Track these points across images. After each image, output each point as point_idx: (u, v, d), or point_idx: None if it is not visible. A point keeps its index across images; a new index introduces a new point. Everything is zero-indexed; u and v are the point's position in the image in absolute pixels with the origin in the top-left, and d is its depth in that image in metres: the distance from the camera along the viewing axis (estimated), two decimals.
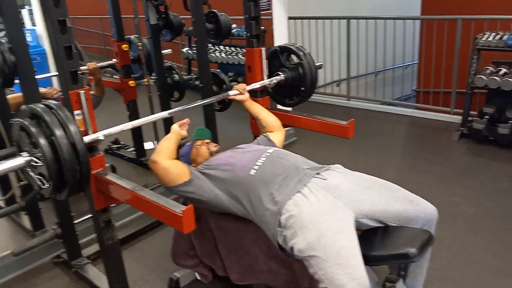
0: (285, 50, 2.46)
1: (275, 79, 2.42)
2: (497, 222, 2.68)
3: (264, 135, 2.21)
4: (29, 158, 1.51)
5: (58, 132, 1.45)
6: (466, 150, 3.80)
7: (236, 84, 2.35)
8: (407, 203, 1.69)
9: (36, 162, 1.49)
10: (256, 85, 2.37)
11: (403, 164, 3.63)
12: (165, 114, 2.08)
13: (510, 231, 2.58)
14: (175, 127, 1.96)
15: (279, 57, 2.45)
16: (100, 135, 1.70)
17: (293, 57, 2.46)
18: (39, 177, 1.52)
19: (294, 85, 2.45)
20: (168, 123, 3.32)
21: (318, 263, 1.47)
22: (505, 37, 3.71)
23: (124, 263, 2.01)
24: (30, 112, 1.53)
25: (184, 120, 2.01)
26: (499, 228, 2.63)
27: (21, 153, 1.53)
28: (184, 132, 1.97)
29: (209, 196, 1.80)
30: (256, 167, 1.77)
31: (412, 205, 1.69)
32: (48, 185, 1.51)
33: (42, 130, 1.47)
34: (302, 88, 2.43)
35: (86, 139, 1.63)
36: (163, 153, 1.81)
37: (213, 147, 2.09)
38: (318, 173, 1.73)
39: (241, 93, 2.28)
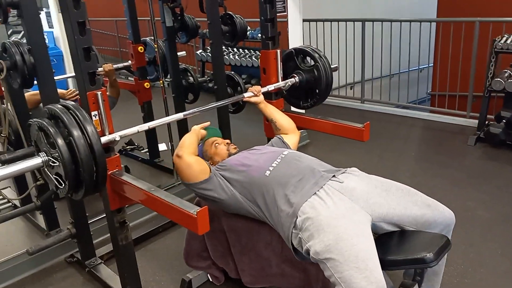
0: (301, 52, 2.45)
1: (290, 82, 2.41)
2: None
3: (279, 137, 2.21)
4: (46, 158, 1.54)
5: (76, 133, 1.47)
6: (482, 154, 3.74)
7: (250, 86, 2.35)
8: (425, 207, 1.67)
9: (53, 162, 1.51)
10: (270, 87, 2.37)
11: (418, 168, 3.59)
12: (180, 116, 2.09)
13: None
14: (196, 127, 1.98)
15: (295, 59, 2.45)
16: (116, 136, 1.72)
17: (309, 59, 2.45)
18: (56, 177, 1.54)
19: (309, 88, 2.44)
20: (182, 125, 3.35)
21: (335, 266, 1.46)
22: None
23: (137, 263, 2.03)
24: (48, 113, 1.55)
25: (206, 124, 2.04)
26: None
27: (39, 153, 1.56)
28: (204, 132, 2.01)
29: (226, 195, 1.81)
30: (271, 168, 1.77)
31: (430, 209, 1.68)
32: (64, 185, 1.53)
33: (60, 130, 1.49)
34: (317, 91, 2.42)
35: (103, 139, 1.65)
36: (188, 149, 1.82)
37: (233, 149, 2.08)
38: (334, 176, 1.72)
39: (255, 95, 2.28)
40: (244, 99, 2.29)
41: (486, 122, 3.97)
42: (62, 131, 1.49)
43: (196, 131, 1.96)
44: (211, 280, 2.26)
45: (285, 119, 2.31)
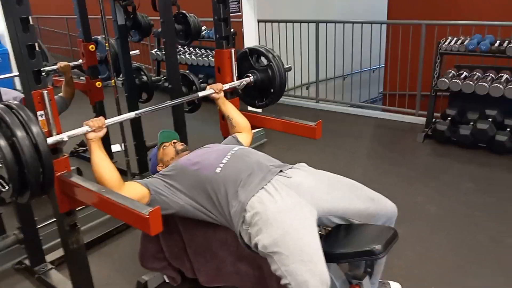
0: (255, 52, 2.47)
1: (244, 81, 2.43)
2: (458, 221, 2.78)
3: (233, 136, 2.22)
4: None
5: (20, 133, 1.41)
6: (430, 151, 3.92)
7: (208, 85, 2.35)
8: (368, 201, 1.74)
9: None
10: (225, 86, 2.37)
11: (370, 165, 3.71)
12: (131, 115, 2.06)
13: (472, 230, 2.68)
14: (90, 136, 1.74)
15: (249, 59, 2.46)
16: (64, 136, 1.66)
17: (263, 59, 2.48)
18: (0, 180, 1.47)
19: (263, 87, 2.46)
20: (135, 124, 3.28)
21: (282, 259, 1.49)
22: (466, 42, 3.86)
23: (90, 267, 1.97)
24: None
25: (97, 121, 1.75)
26: (460, 226, 2.72)
27: None
28: (100, 133, 1.77)
29: (174, 209, 1.79)
30: (221, 165, 1.77)
31: (373, 203, 1.75)
32: (8, 188, 1.46)
33: (2, 131, 1.43)
34: (272, 90, 2.45)
35: (50, 140, 1.59)
36: (108, 183, 1.68)
37: (179, 145, 2.10)
38: (282, 171, 1.76)
39: (216, 93, 2.29)
40: (205, 95, 2.29)
41: (433, 119, 4.16)
42: (5, 131, 1.43)
43: (91, 139, 1.74)
44: (167, 281, 2.23)
45: (241, 117, 2.33)
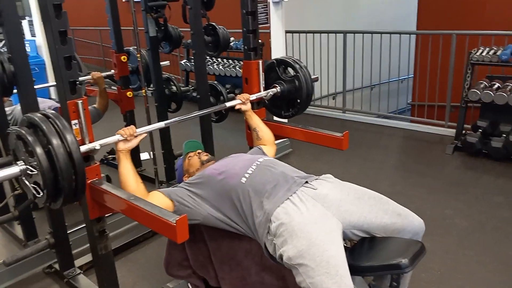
0: (282, 63, 2.50)
1: (271, 91, 2.45)
2: (488, 236, 2.70)
3: (258, 147, 2.23)
4: (24, 166, 1.52)
5: (55, 141, 1.47)
6: (460, 163, 3.83)
7: (235, 95, 2.38)
8: (395, 216, 1.70)
9: (31, 171, 1.50)
10: (253, 97, 2.40)
11: (397, 177, 3.66)
12: (161, 124, 2.10)
13: (502, 244, 2.60)
14: (120, 147, 1.82)
15: (276, 70, 2.49)
16: (96, 144, 1.72)
17: (290, 69, 2.50)
18: (34, 185, 1.53)
19: (290, 97, 2.48)
20: (164, 133, 3.35)
21: (307, 271, 1.48)
22: (499, 52, 3.77)
23: (116, 273, 2.01)
24: (27, 121, 1.54)
25: (128, 130, 1.83)
26: (490, 241, 2.64)
27: (17, 162, 1.55)
28: (130, 144, 1.84)
29: (197, 219, 1.81)
30: (247, 175, 1.78)
31: (400, 218, 1.71)
32: (43, 194, 1.52)
33: (39, 138, 1.49)
34: (298, 100, 2.46)
35: (83, 148, 1.65)
36: (136, 192, 1.73)
37: (204, 156, 2.12)
38: (307, 182, 1.74)
39: (243, 103, 2.32)
40: (236, 107, 2.33)
41: (463, 131, 4.07)
42: (41, 139, 1.49)
43: (120, 150, 1.82)
44: None
45: (267, 130, 2.35)
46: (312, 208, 1.62)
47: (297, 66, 2.42)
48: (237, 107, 2.33)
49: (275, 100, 2.52)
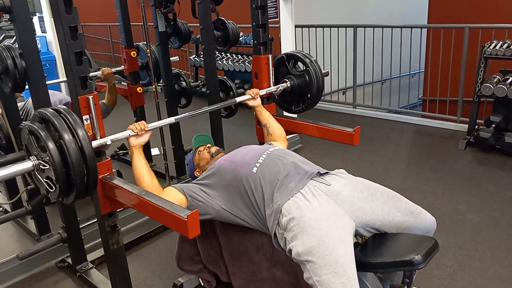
0: (292, 58, 2.48)
1: (281, 86, 2.43)
2: (502, 231, 2.67)
3: (269, 143, 2.22)
4: (37, 161, 1.53)
5: (67, 136, 1.48)
6: (472, 159, 3.78)
7: (245, 91, 2.37)
8: (408, 214, 1.69)
9: (44, 166, 1.51)
10: (263, 92, 2.39)
11: (409, 172, 3.62)
12: (171, 120, 2.10)
13: None
14: (132, 142, 1.82)
15: (286, 64, 2.47)
16: (107, 140, 1.73)
17: (300, 64, 2.48)
18: (47, 180, 1.54)
19: (300, 92, 2.46)
20: (174, 128, 3.35)
21: (315, 269, 1.47)
22: None
23: (128, 268, 2.03)
24: (39, 116, 1.55)
25: (139, 125, 1.83)
26: (504, 237, 2.61)
27: (30, 157, 1.56)
28: (142, 139, 1.84)
29: (211, 214, 1.81)
30: (257, 165, 1.78)
31: (413, 216, 1.69)
32: (55, 189, 1.53)
33: (51, 134, 1.50)
34: (308, 95, 2.44)
35: (94, 143, 1.65)
36: (147, 189, 1.70)
37: (213, 149, 2.12)
38: (321, 176, 1.73)
39: (253, 98, 2.31)
40: (244, 102, 2.32)
41: (476, 126, 4.02)
42: (53, 134, 1.50)
43: (133, 147, 1.82)
44: (202, 284, 2.26)
45: (277, 126, 2.33)
46: (325, 204, 1.60)
47: (307, 60, 2.40)
48: (249, 103, 2.32)
49: (285, 95, 2.50)
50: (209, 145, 2.18)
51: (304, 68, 2.41)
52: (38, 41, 5.65)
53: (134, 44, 3.43)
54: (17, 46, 2.08)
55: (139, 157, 1.82)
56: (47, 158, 1.49)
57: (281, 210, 1.61)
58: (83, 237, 2.51)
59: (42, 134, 1.48)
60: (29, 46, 2.03)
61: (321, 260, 1.47)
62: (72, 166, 1.48)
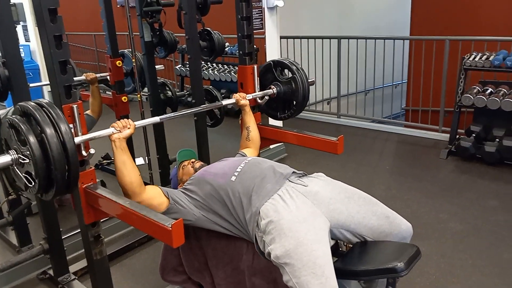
0: (279, 65, 2.50)
1: (268, 92, 2.44)
2: (483, 239, 2.71)
3: (240, 153, 2.25)
4: (16, 156, 1.50)
5: (49, 130, 1.44)
6: (454, 168, 3.85)
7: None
8: (383, 218, 1.71)
9: (23, 160, 1.47)
10: (249, 96, 2.38)
11: (392, 181, 3.67)
12: (156, 119, 2.05)
13: (496, 248, 2.61)
14: (113, 136, 1.76)
15: (273, 71, 2.49)
16: (90, 136, 1.70)
17: (287, 71, 2.50)
18: (26, 175, 1.50)
19: (286, 99, 2.48)
20: (159, 138, 3.34)
21: (294, 271, 1.49)
22: (491, 58, 3.81)
23: (112, 279, 2.00)
24: (20, 110, 1.52)
25: (122, 122, 1.81)
26: (485, 245, 2.65)
27: (9, 151, 1.52)
28: (126, 134, 1.78)
29: (191, 219, 1.81)
30: (236, 174, 1.80)
31: (388, 221, 1.72)
32: (34, 184, 1.49)
33: (32, 128, 1.46)
34: (294, 102, 2.46)
35: (77, 140, 1.62)
36: (129, 185, 1.71)
37: (197, 164, 2.12)
38: (299, 178, 1.76)
39: (243, 98, 2.33)
40: (236, 102, 2.33)
41: (457, 136, 4.10)
42: (34, 128, 1.46)
43: (113, 144, 1.76)
44: None
45: (257, 133, 2.36)
46: (301, 205, 1.63)
47: (294, 67, 2.42)
48: (240, 102, 2.32)
49: (271, 101, 2.52)
50: (193, 160, 2.18)
51: (291, 75, 2.43)
52: (21, 50, 5.59)
53: (119, 51, 3.42)
54: (0, 54, 2.07)
55: (121, 152, 1.74)
56: (28, 152, 1.45)
57: (259, 213, 1.63)
58: (65, 248, 2.47)
59: (22, 127, 1.44)
60: (12, 55, 2.02)
61: (299, 262, 1.49)
62: (53, 160, 1.43)
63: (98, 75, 3.36)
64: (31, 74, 5.25)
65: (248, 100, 2.39)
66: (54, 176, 1.46)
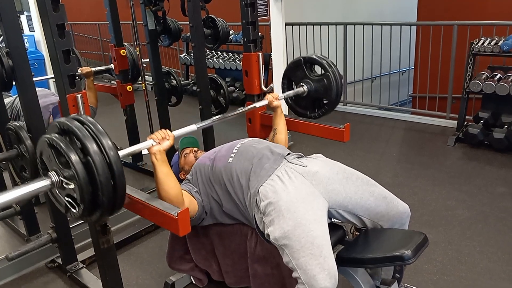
0: (309, 61, 2.33)
1: (299, 91, 2.31)
2: (491, 226, 2.70)
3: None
4: (57, 178, 1.31)
5: (93, 150, 1.25)
6: (462, 155, 3.82)
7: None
8: (381, 199, 1.73)
9: (67, 184, 1.30)
10: (281, 96, 2.28)
11: (399, 169, 3.65)
12: (193, 127, 1.91)
13: (504, 235, 2.59)
14: (153, 149, 1.64)
15: (303, 68, 2.33)
16: (130, 150, 1.64)
17: (317, 68, 2.35)
18: (69, 199, 1.33)
19: (316, 97, 2.34)
20: (164, 126, 3.33)
21: (292, 252, 1.51)
22: (500, 43, 3.74)
23: (119, 267, 2.01)
24: (59, 127, 1.33)
25: (160, 133, 1.69)
26: (493, 232, 2.64)
27: (48, 173, 1.33)
28: (166, 146, 1.67)
29: (206, 211, 1.85)
30: (232, 155, 1.82)
31: (385, 201, 1.73)
32: (79, 208, 1.32)
33: (74, 147, 1.28)
34: (325, 101, 2.33)
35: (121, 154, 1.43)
36: (173, 200, 1.62)
37: (200, 153, 2.11)
38: (298, 159, 1.78)
39: (276, 99, 2.23)
40: (270, 104, 2.23)
41: (465, 123, 4.06)
42: (76, 148, 1.28)
43: (157, 154, 1.64)
44: (194, 282, 2.26)
45: (284, 137, 2.25)
46: (300, 186, 1.64)
47: (326, 64, 2.27)
48: (274, 103, 2.22)
49: (300, 99, 2.38)
50: (195, 149, 2.16)
51: (323, 71, 2.28)
52: (26, 40, 5.59)
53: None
54: (4, 45, 2.06)
55: (162, 165, 1.63)
56: (71, 174, 1.27)
57: (258, 192, 1.65)
58: (73, 237, 2.48)
59: (64, 147, 1.26)
60: (16, 45, 2.01)
61: (297, 244, 1.51)
62: (100, 185, 1.26)
63: (103, 67, 3.36)
64: (36, 64, 5.26)
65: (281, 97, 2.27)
66: (100, 201, 1.29)
